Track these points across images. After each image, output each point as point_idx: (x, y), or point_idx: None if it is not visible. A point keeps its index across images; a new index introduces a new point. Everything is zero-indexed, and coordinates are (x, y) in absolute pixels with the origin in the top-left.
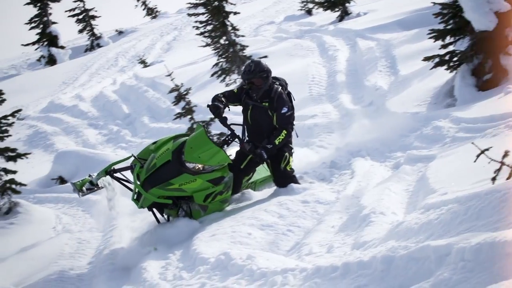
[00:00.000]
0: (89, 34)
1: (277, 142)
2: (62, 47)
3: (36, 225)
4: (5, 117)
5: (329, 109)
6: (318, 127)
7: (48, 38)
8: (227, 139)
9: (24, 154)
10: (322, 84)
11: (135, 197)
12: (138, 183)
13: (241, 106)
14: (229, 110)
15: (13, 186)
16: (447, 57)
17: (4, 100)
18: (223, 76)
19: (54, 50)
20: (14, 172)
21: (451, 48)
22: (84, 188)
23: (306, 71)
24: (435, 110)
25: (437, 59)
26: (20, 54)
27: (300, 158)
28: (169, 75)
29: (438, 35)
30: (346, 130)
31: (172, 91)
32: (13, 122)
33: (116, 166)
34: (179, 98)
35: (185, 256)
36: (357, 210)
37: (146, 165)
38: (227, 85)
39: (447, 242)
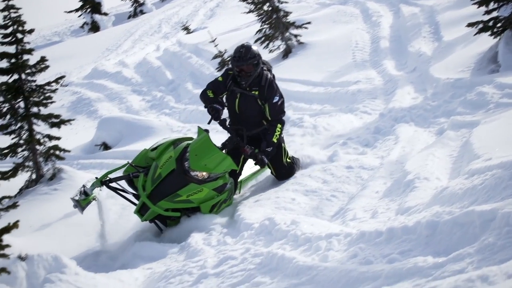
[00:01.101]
0: (132, 0)
1: (275, 140)
2: (105, 14)
3: None
4: (49, 83)
5: (373, 75)
6: (362, 93)
7: (91, 5)
8: (226, 142)
9: (68, 121)
10: (366, 50)
11: (138, 210)
12: (144, 193)
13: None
14: (226, 106)
15: (57, 152)
16: (490, 23)
17: (47, 66)
18: (267, 42)
19: (97, 16)
20: (58, 138)
21: (494, 14)
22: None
23: (349, 37)
24: (478, 76)
25: (480, 25)
26: (63, 21)
27: (344, 124)
28: (213, 41)
29: (482, 1)
30: (389, 96)
31: (215, 57)
32: (56, 89)
33: (112, 175)
34: (223, 64)
35: (229, 222)
36: (401, 175)
37: (151, 176)
38: (270, 51)
39: (491, 207)
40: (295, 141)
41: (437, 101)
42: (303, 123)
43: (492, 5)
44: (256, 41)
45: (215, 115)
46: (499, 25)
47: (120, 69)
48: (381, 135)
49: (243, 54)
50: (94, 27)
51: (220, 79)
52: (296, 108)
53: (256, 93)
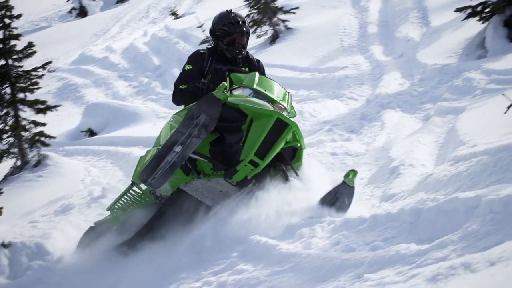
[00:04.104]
0: None
1: None
2: None
3: (65, 177)
4: (35, 69)
5: (360, 60)
6: (349, 79)
7: None
8: None
9: (54, 107)
10: (353, 35)
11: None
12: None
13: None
14: None
15: (42, 138)
16: (479, 8)
17: (34, 52)
18: (255, 27)
19: (85, 1)
20: (44, 124)
21: None
22: None
23: (337, 22)
24: (466, 61)
25: (469, 10)
26: (51, 6)
27: (330, 110)
28: (200, 26)
29: None
30: (376, 81)
31: (203, 42)
32: (43, 74)
33: None
34: None
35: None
36: (386, 162)
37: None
38: (258, 36)
39: (476, 194)
40: None
41: (424, 87)
42: None
43: None
44: None
45: (208, 87)
46: (487, 10)
47: (107, 54)
48: (367, 121)
49: (240, 17)
50: (82, 12)
51: (188, 67)
52: None
53: (247, 69)
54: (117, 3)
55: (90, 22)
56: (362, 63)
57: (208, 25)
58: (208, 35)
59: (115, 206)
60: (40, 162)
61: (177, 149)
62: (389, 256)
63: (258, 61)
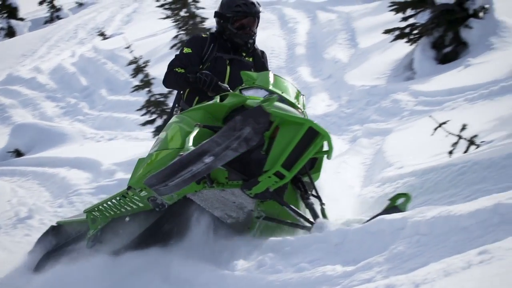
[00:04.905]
0: (49, 6)
1: None
2: (22, 19)
3: None
4: None
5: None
6: None
7: (8, 10)
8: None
9: None
10: (282, 57)
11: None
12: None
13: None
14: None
15: None
16: (407, 30)
17: None
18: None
19: (13, 22)
20: None
21: (411, 20)
22: None
23: (265, 43)
24: (394, 83)
25: (397, 32)
26: None
27: None
28: (128, 47)
29: (399, 7)
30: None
31: (130, 63)
32: None
33: None
34: (138, 70)
35: None
36: None
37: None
38: None
39: (402, 215)
40: None
41: (351, 108)
42: None
43: (409, 12)
44: (172, 47)
45: (212, 80)
46: (415, 32)
47: (35, 75)
48: None
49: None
50: (10, 33)
51: (187, 50)
52: None
53: (251, 59)
54: (45, 23)
55: (18, 43)
56: None
57: (137, 46)
58: (136, 55)
59: (97, 208)
60: None
61: (207, 159)
62: (315, 277)
63: (262, 52)
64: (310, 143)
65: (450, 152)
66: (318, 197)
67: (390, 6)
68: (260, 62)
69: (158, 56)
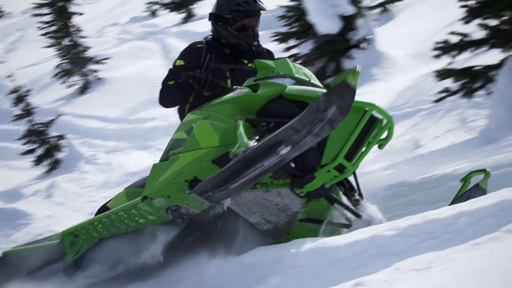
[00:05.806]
0: None
1: None
2: None
3: None
4: None
5: (169, 112)
6: (157, 130)
7: None
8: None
9: None
10: None
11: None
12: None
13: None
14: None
15: None
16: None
17: None
18: (65, 77)
19: None
20: None
21: (294, 51)
22: None
23: (148, 73)
24: None
25: None
26: None
27: (138, 161)
28: (10, 75)
29: (283, 37)
30: None
31: (12, 92)
32: None
33: None
34: (19, 99)
35: None
36: None
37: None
38: (69, 86)
39: (279, 247)
40: (88, 179)
41: None
42: (96, 160)
43: (292, 42)
44: (54, 75)
45: (206, 78)
46: (298, 62)
47: None
48: None
49: None
50: None
51: (180, 63)
52: (91, 145)
53: (253, 66)
54: None
55: None
56: (171, 114)
57: (20, 74)
58: (18, 84)
59: (81, 228)
60: None
61: (283, 150)
62: None
63: (269, 52)
64: (370, 129)
65: None
66: (360, 194)
67: (273, 36)
68: None
69: (41, 84)
